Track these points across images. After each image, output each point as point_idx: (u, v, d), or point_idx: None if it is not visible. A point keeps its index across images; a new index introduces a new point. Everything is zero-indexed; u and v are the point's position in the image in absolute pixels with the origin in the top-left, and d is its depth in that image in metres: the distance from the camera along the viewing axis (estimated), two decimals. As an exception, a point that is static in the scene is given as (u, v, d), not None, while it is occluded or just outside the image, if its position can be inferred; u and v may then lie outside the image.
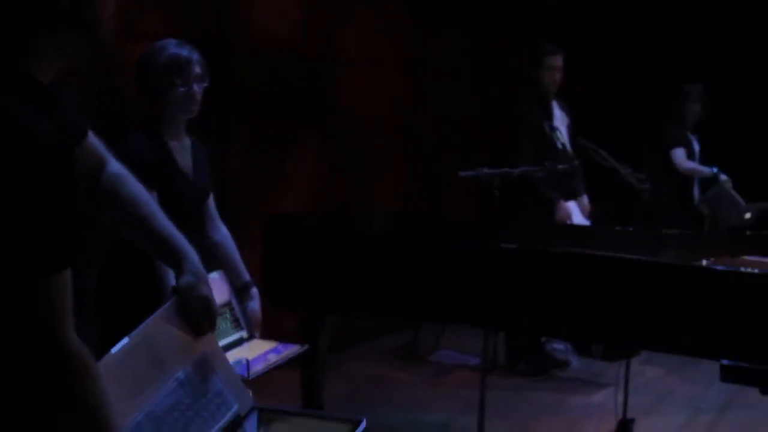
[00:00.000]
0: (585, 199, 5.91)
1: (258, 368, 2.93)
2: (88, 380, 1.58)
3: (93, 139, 1.94)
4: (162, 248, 1.97)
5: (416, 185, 7.24)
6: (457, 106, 7.60)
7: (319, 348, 4.41)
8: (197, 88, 3.20)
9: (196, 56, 3.21)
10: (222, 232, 3.49)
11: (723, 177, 6.80)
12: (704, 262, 3.76)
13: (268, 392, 2.93)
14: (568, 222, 5.78)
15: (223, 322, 3.07)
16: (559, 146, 5.45)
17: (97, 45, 1.68)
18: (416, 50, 7.23)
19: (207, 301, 1.95)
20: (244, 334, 3.19)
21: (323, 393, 4.44)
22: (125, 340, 1.86)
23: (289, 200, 5.87)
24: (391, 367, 6.18)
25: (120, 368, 1.79)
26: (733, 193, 6.78)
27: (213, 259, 3.37)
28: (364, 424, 1.87)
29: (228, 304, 3.11)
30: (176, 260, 1.96)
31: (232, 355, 3.01)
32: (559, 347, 6.27)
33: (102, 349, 1.79)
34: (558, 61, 5.83)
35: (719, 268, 3.68)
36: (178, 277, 1.97)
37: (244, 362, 2.87)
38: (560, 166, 4.87)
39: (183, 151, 3.31)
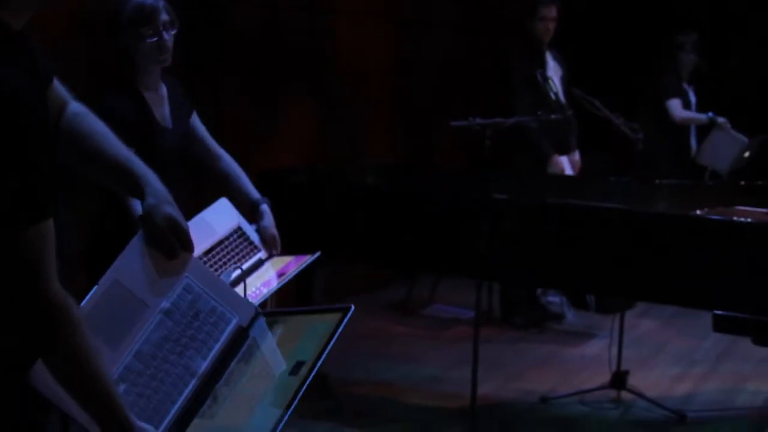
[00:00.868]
0: (576, 155, 5.86)
1: (274, 286, 2.89)
2: (71, 328, 1.57)
3: (56, 83, 1.89)
4: (119, 176, 1.90)
5: (409, 137, 7.21)
6: (449, 57, 7.54)
7: (313, 302, 4.40)
8: (167, 36, 3.11)
9: (161, 2, 3.11)
10: (225, 161, 3.39)
11: (720, 119, 6.75)
12: (698, 212, 3.74)
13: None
14: (562, 175, 5.74)
15: (235, 250, 3.03)
16: (552, 96, 5.39)
17: None
18: (410, 2, 7.17)
19: (172, 219, 1.87)
20: (261, 255, 3.13)
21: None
22: (93, 290, 1.81)
23: (283, 153, 5.83)
24: (386, 321, 6.19)
25: (94, 319, 1.74)
26: (732, 131, 6.74)
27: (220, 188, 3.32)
28: (352, 309, 1.84)
29: (237, 230, 3.07)
30: (135, 185, 1.89)
31: (253, 280, 2.98)
32: (554, 300, 6.27)
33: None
34: (552, 11, 5.76)
35: (713, 217, 3.66)
36: (141, 203, 1.90)
37: (262, 289, 2.82)
38: (553, 116, 4.83)
39: (160, 101, 3.24)
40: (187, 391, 1.86)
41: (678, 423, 4.40)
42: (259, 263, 3.11)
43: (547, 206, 4.09)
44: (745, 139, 6.76)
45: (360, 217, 4.43)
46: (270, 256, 3.17)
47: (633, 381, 4.65)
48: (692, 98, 6.96)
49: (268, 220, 3.28)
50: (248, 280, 2.98)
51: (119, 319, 1.83)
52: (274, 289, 2.89)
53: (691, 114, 6.87)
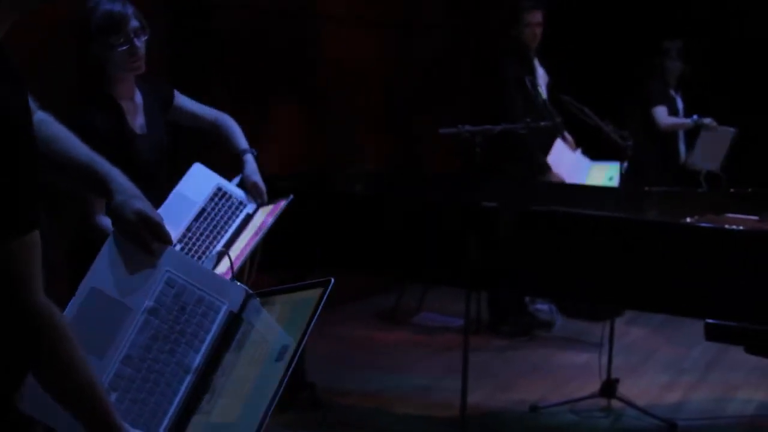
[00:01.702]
0: (567, 136, 5.83)
1: (257, 239, 2.87)
2: (58, 341, 1.55)
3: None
4: (85, 177, 1.87)
5: (398, 143, 7.19)
6: (438, 63, 7.53)
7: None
8: (138, 43, 3.05)
9: (130, 9, 3.05)
10: (220, 119, 3.37)
11: (706, 120, 6.71)
12: (688, 220, 3.73)
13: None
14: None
15: (219, 214, 2.99)
16: (541, 102, 5.38)
17: None
18: (398, 6, 7.15)
19: (142, 213, 1.84)
20: (249, 210, 3.08)
21: (305, 356, 4.41)
22: (71, 301, 1.77)
23: (271, 159, 5.79)
24: (374, 330, 6.15)
25: (75, 330, 1.67)
26: (720, 127, 6.71)
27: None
28: (332, 282, 1.80)
29: (217, 192, 3.03)
30: (101, 184, 1.87)
31: (245, 236, 2.94)
32: (542, 308, 6.25)
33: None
34: (537, 16, 5.75)
35: (704, 225, 3.65)
36: (109, 202, 1.87)
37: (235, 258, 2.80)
38: (543, 123, 4.81)
39: (135, 109, 3.20)
40: (183, 389, 1.81)
41: (669, 432, 4.40)
42: (248, 219, 3.06)
43: (537, 214, 4.07)
44: (731, 129, 6.71)
45: (347, 225, 4.40)
46: (258, 207, 3.12)
47: (622, 389, 4.63)
48: (680, 105, 6.95)
49: (250, 167, 3.23)
50: (239, 238, 2.97)
51: (102, 327, 1.78)
52: (255, 243, 2.86)
53: (675, 120, 6.85)
